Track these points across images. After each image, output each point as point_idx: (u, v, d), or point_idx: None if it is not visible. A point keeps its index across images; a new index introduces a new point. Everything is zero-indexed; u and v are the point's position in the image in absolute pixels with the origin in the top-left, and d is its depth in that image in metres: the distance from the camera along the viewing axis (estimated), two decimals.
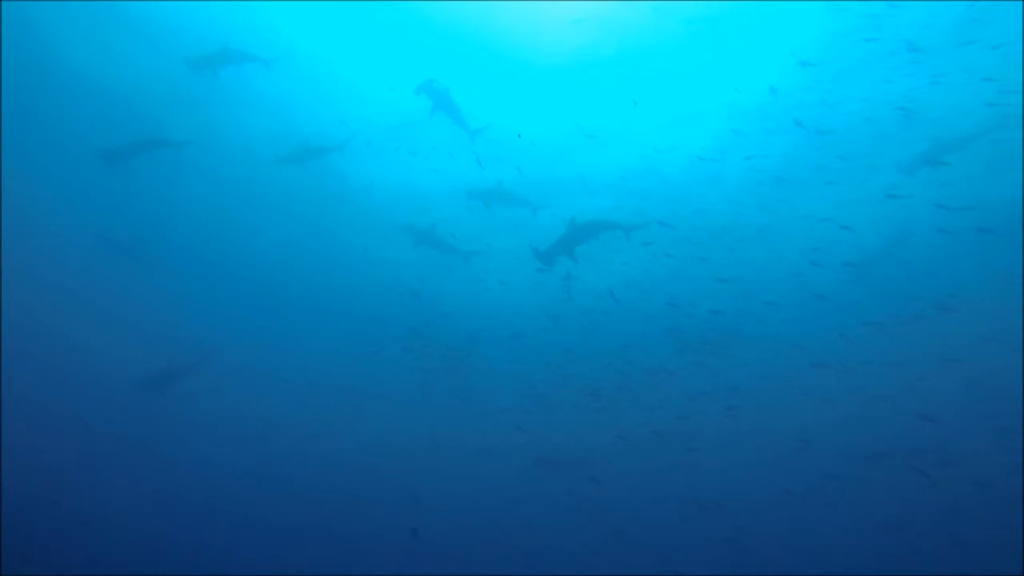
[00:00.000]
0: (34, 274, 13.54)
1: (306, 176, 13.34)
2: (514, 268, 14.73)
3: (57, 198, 13.10)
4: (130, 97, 12.24)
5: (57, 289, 13.91)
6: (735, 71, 12.85)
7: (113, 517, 14.39)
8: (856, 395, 15.00)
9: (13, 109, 11.88)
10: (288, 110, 13.35)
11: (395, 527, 14.83)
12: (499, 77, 13.74)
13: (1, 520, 12.16)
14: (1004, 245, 11.86)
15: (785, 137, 12.75)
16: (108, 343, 14.72)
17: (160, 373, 13.40)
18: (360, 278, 15.27)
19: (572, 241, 10.10)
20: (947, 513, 15.25)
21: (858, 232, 12.63)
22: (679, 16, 12.40)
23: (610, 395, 15.78)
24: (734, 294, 14.17)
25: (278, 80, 12.50)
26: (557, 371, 15.72)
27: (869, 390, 14.66)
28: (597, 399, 15.79)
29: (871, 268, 13.10)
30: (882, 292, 13.38)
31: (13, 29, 11.07)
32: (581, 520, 15.95)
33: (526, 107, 14.12)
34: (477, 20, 12.57)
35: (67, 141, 12.43)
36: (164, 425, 15.04)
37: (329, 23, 12.53)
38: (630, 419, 15.94)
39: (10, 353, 13.85)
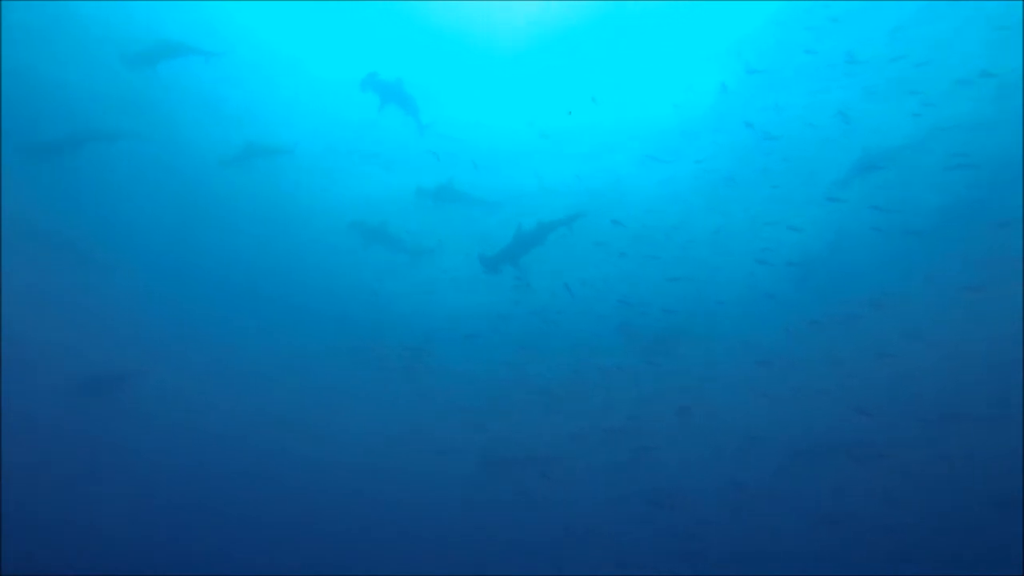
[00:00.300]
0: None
1: (257, 174, 13.47)
2: (467, 267, 15.24)
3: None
4: (66, 94, 12.06)
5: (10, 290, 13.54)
6: (685, 73, 13.86)
7: (86, 519, 14.17)
8: (800, 391, 16.29)
9: None
10: (236, 106, 13.42)
11: (348, 524, 15.20)
12: (450, 74, 14.26)
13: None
14: (929, 247, 13.35)
15: (733, 139, 13.83)
16: (64, 345, 14.44)
17: (102, 375, 13.37)
18: (312, 277, 15.46)
19: (519, 249, 10.74)
20: (880, 504, 16.85)
21: (801, 233, 13.85)
22: (630, 18, 13.29)
23: (564, 395, 16.54)
24: (686, 293, 15.12)
25: (221, 74, 12.57)
26: (511, 371, 16.34)
27: (812, 386, 15.99)
28: (551, 398, 16.51)
29: (812, 268, 14.37)
30: (822, 291, 14.68)
31: None
32: (535, 518, 16.66)
33: (479, 104, 14.70)
34: (434, 18, 13.08)
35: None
36: (120, 423, 14.94)
37: (274, 11, 12.68)
38: (584, 418, 16.74)
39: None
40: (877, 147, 12.43)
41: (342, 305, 15.79)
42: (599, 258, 15.00)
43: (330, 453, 16.31)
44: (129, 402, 14.67)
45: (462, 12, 13.28)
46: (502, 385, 16.48)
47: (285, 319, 15.85)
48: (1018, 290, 13.11)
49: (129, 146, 12.29)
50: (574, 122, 14.84)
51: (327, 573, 14.12)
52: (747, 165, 13.89)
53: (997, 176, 12.08)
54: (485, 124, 14.80)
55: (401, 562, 14.70)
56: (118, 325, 14.67)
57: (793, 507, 17.60)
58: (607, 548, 16.58)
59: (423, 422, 16.12)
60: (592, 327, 15.87)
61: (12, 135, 11.90)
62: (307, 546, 15.09)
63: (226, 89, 13.10)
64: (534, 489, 16.42)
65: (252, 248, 14.53)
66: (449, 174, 14.05)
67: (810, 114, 13.02)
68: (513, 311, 15.63)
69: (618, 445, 16.73)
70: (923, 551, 17.61)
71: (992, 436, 15.21)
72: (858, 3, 11.75)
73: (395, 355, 15.67)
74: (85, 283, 14.06)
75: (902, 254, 13.57)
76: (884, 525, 17.50)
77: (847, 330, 14.84)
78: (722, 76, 13.59)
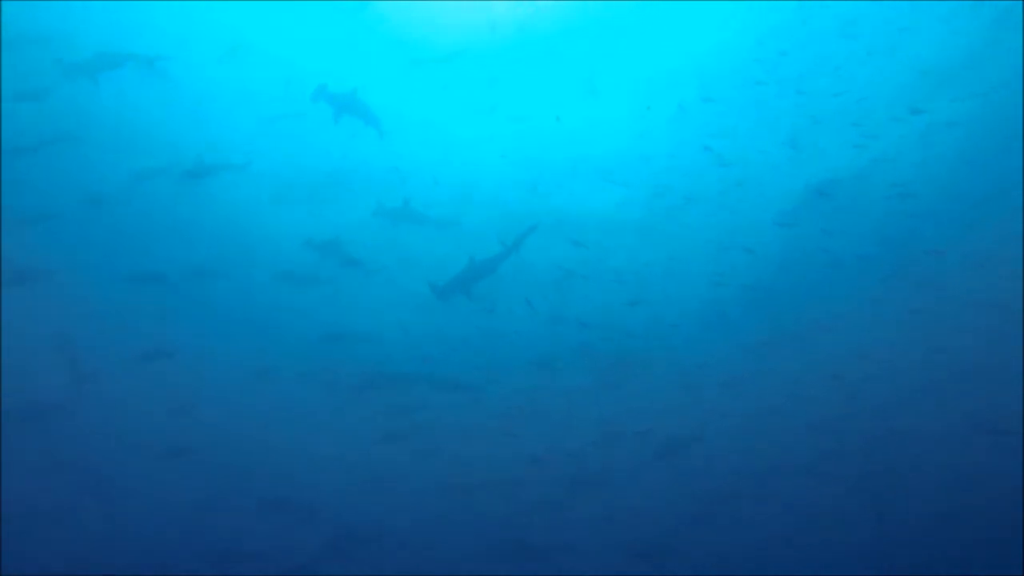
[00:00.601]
0: None
1: (210, 187, 13.62)
2: (423, 287, 15.66)
3: None
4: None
5: None
6: (643, 93, 14.88)
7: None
8: (757, 412, 17.35)
9: None
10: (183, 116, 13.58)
11: (299, 551, 15.32)
12: (411, 88, 14.87)
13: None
14: (871, 270, 14.75)
15: (691, 162, 14.90)
16: None
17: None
18: (265, 295, 15.60)
19: (479, 271, 11.30)
20: (833, 520, 18.07)
21: (756, 256, 15.00)
22: (587, 30, 14.21)
23: (523, 417, 17.11)
24: (643, 316, 16.02)
25: (167, 81, 12.70)
26: (469, 393, 16.78)
27: (766, 406, 17.10)
28: (509, 422, 17.03)
29: (765, 291, 15.55)
30: (775, 313, 15.89)
31: None
32: (495, 542, 17.04)
33: (439, 120, 15.33)
34: (400, 29, 13.69)
35: None
36: (51, 447, 14.67)
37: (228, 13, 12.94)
38: (542, 442, 17.31)
39: None
40: (824, 175, 13.74)
41: (295, 325, 15.97)
42: (558, 279, 15.77)
43: (279, 476, 16.32)
44: (63, 425, 14.38)
45: (427, 23, 13.89)
46: (460, 407, 16.91)
47: (234, 338, 15.90)
48: (952, 312, 14.72)
49: (62, 153, 12.16)
50: (535, 142, 15.64)
51: None
52: (705, 188, 14.93)
53: (931, 206, 13.61)
54: (445, 141, 15.45)
55: None
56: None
57: (752, 525, 18.58)
58: (568, 570, 17.14)
59: (377, 446, 16.36)
60: (551, 350, 16.54)
61: None
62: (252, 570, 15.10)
63: (172, 97, 13.24)
64: (494, 513, 16.85)
65: (203, 265, 14.59)
66: (409, 191, 14.57)
67: (761, 141, 14.25)
68: (471, 332, 16.15)
69: (579, 467, 17.36)
70: (877, 563, 18.89)
71: (933, 450, 16.69)
72: (805, 39, 13.08)
73: (350, 375, 15.90)
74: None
75: (849, 277, 14.92)
76: (838, 540, 18.70)
77: (798, 350, 16.10)
78: (679, 99, 14.66)
